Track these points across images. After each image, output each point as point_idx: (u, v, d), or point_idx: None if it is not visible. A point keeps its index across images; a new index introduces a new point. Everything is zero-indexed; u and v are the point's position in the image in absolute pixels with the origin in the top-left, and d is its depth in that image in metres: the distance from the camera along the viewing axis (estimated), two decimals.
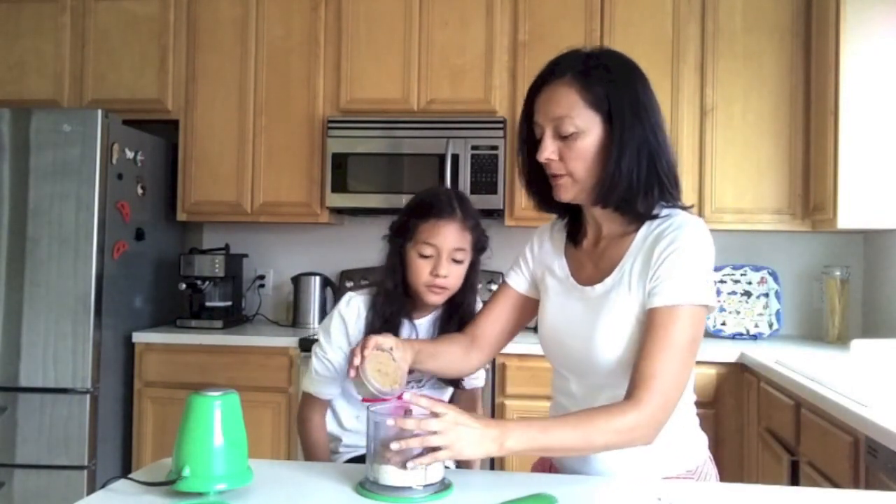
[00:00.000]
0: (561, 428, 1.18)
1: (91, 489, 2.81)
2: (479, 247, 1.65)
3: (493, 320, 1.49)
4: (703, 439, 1.38)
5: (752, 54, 3.09)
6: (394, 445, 1.13)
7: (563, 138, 1.26)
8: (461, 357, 1.47)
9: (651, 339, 1.20)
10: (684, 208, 1.31)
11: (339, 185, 3.21)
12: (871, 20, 2.72)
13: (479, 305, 1.70)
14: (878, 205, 2.72)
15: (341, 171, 3.21)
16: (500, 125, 3.14)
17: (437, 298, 1.62)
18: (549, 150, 1.27)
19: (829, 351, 2.86)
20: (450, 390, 1.74)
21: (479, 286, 1.76)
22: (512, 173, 3.19)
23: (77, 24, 3.41)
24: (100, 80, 3.40)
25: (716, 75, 3.09)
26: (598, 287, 1.30)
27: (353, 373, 1.30)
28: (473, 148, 3.12)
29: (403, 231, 1.62)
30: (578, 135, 1.25)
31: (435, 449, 1.13)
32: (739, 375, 2.74)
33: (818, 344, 3.06)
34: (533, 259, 1.47)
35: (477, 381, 1.81)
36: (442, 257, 1.57)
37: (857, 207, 2.72)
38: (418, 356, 1.40)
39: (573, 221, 1.41)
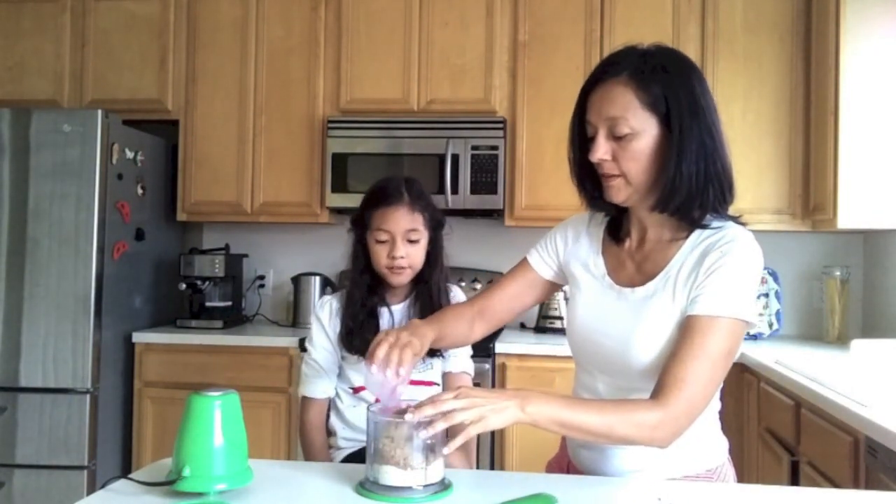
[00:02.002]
0: (586, 408, 1.17)
1: (91, 489, 2.81)
2: (434, 224, 1.75)
3: (509, 298, 1.48)
4: (724, 442, 1.37)
5: (752, 54, 3.09)
6: (423, 434, 1.11)
7: (616, 139, 1.24)
8: (466, 331, 1.46)
9: (686, 345, 1.18)
10: (736, 220, 1.30)
11: (339, 185, 3.21)
12: (871, 20, 2.72)
13: (451, 286, 1.78)
14: (878, 205, 2.72)
15: (341, 171, 3.21)
16: (500, 125, 3.14)
17: (400, 279, 1.72)
18: (602, 151, 1.25)
19: (829, 351, 2.86)
20: (433, 363, 1.74)
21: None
22: (512, 173, 3.19)
23: (77, 24, 3.41)
24: (100, 80, 3.40)
25: (716, 75, 3.08)
26: (640, 290, 1.29)
27: (371, 365, 1.22)
28: (473, 148, 3.12)
29: (361, 222, 1.75)
30: (633, 136, 1.22)
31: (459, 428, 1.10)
32: (739, 375, 2.74)
33: (818, 344, 3.06)
34: (565, 249, 1.44)
35: (463, 366, 1.79)
36: (396, 240, 1.69)
37: (857, 207, 2.72)
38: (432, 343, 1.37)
39: (615, 219, 1.39)
